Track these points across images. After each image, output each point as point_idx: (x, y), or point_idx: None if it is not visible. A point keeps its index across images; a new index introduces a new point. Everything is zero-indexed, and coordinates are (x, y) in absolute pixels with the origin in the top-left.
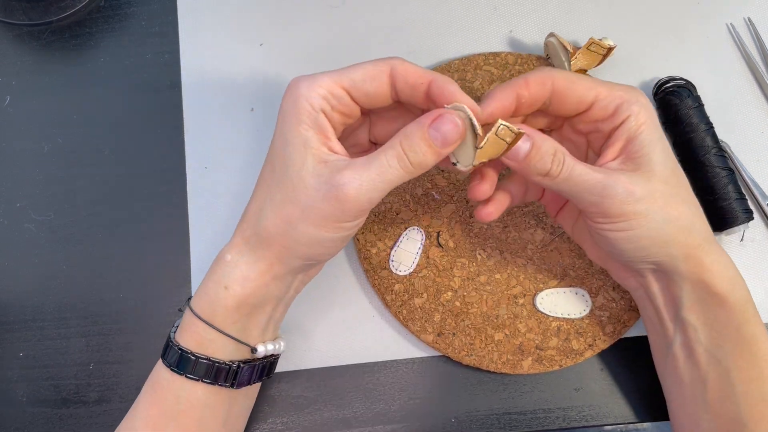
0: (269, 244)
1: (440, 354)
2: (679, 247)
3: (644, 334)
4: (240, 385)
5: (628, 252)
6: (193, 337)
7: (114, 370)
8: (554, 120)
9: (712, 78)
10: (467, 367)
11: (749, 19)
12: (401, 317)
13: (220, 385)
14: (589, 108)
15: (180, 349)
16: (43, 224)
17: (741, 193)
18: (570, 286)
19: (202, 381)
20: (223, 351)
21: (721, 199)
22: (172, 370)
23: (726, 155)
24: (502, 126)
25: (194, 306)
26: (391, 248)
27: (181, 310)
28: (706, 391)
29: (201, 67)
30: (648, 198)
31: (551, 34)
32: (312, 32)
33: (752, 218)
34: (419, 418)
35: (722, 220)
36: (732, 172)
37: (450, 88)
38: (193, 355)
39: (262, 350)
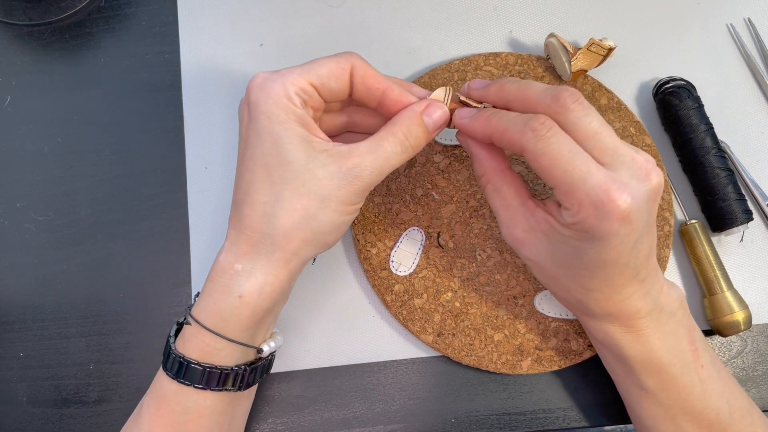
0: (287, 241)
1: (440, 354)
2: (570, 282)
3: None
4: (246, 387)
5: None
6: (198, 346)
7: (114, 370)
8: None
9: (712, 78)
10: (467, 367)
11: (749, 19)
12: (401, 317)
13: (227, 390)
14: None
15: (186, 360)
16: (43, 224)
17: (741, 193)
18: None
19: (210, 389)
20: (231, 358)
21: (720, 200)
22: (179, 381)
23: (726, 155)
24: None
25: (198, 316)
26: (391, 249)
27: (185, 322)
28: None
29: (201, 67)
30: (573, 225)
31: (551, 35)
32: (312, 32)
33: (752, 219)
34: (419, 418)
35: (722, 221)
36: (732, 172)
37: (406, 98)
38: (200, 365)
39: (267, 350)
